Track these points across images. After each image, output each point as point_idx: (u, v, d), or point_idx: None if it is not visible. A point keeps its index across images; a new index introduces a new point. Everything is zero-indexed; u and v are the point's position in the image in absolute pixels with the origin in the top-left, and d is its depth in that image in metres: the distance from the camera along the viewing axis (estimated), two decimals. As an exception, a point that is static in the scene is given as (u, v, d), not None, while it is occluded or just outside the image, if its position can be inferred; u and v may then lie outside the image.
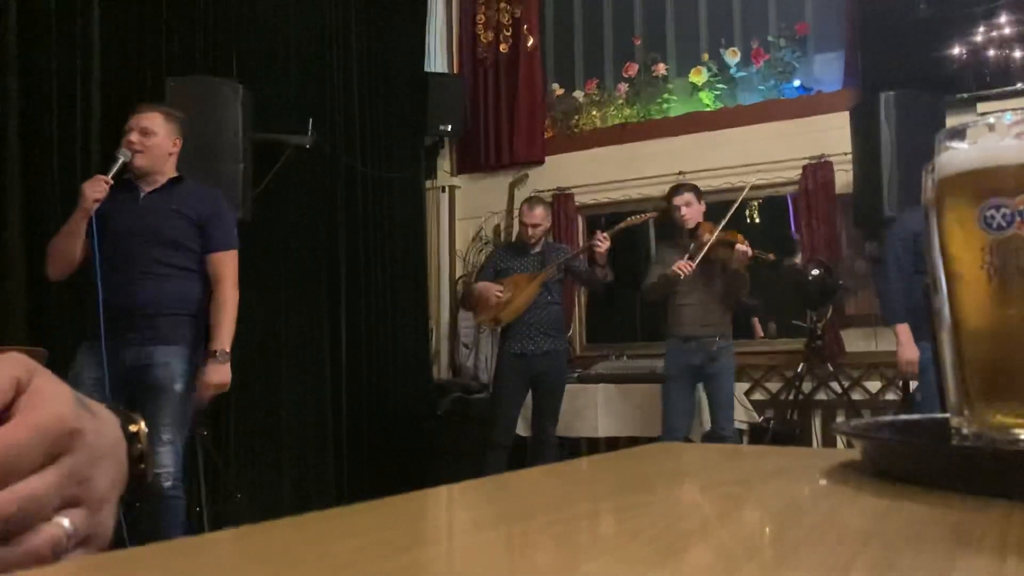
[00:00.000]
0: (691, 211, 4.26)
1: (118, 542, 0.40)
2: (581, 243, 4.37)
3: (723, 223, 4.20)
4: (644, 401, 4.64)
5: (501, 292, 4.40)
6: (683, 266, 4.13)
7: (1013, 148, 0.43)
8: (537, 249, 4.52)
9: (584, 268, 4.50)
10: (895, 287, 3.66)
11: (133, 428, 0.46)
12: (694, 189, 4.37)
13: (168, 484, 2.83)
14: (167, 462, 2.85)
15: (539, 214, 4.54)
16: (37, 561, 0.36)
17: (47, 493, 0.37)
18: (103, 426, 0.43)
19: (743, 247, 4.09)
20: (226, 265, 3.11)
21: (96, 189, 2.89)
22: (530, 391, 4.47)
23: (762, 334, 5.33)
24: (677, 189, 4.39)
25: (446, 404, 5.31)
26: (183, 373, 3.01)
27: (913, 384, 3.93)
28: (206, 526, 3.37)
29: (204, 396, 3.06)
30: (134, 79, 3.93)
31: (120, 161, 2.99)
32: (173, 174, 3.15)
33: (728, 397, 4.21)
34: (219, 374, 3.03)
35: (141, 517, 2.76)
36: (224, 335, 3.06)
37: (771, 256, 4.31)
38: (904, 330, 3.66)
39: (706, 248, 4.14)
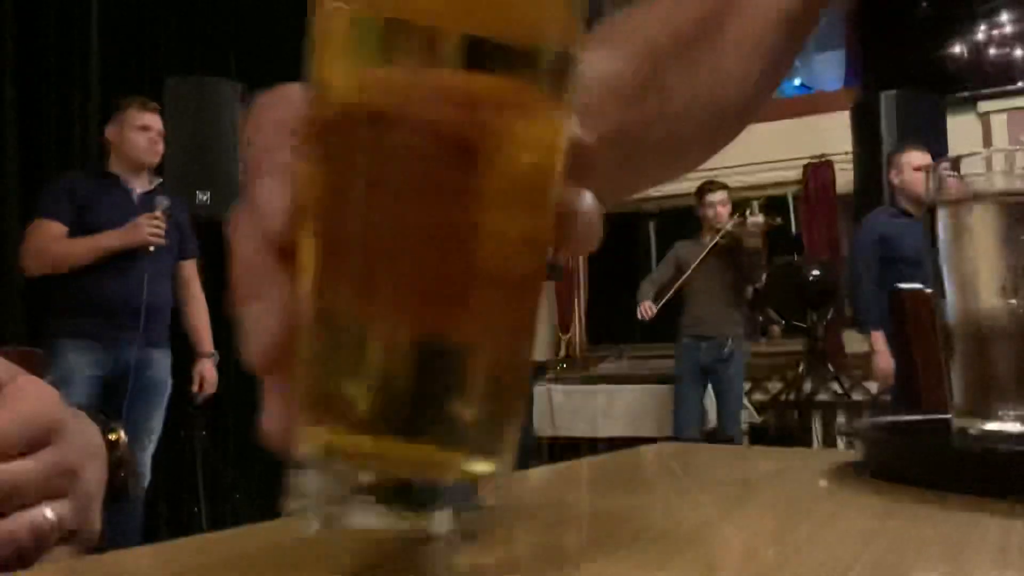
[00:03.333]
0: (725, 210, 4.19)
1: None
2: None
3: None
4: (645, 401, 4.63)
5: None
6: (646, 309, 4.24)
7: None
8: None
9: None
10: (867, 293, 3.50)
11: (112, 436, 0.45)
12: (725, 187, 4.25)
13: (143, 486, 2.82)
14: (146, 461, 2.85)
15: None
16: (17, 548, 0.36)
17: (25, 479, 0.36)
18: (87, 427, 0.42)
19: (754, 217, 4.06)
20: (195, 270, 3.16)
21: (158, 233, 2.80)
22: None
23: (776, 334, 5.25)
24: (710, 186, 4.22)
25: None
26: (171, 373, 3.04)
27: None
28: (205, 526, 3.37)
29: (207, 393, 3.11)
30: (133, 79, 3.93)
31: (167, 204, 2.87)
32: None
33: (737, 399, 4.19)
34: (214, 374, 3.11)
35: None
36: (210, 336, 3.11)
37: (779, 220, 4.29)
38: (879, 338, 3.47)
39: (718, 237, 4.11)
